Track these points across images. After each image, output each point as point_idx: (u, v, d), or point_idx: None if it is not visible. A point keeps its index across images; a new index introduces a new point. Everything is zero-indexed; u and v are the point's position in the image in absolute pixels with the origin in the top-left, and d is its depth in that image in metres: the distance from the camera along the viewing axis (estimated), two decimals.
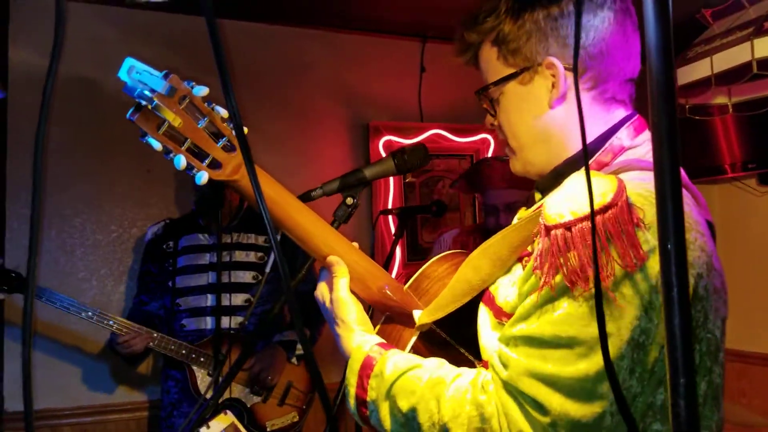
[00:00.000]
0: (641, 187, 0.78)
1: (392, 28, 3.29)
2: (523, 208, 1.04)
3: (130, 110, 0.80)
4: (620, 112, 0.94)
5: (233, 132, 0.87)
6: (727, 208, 3.39)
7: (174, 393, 2.37)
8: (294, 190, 0.98)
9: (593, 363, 0.73)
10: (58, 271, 2.68)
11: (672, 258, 0.47)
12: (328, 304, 1.02)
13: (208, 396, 2.11)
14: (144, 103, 0.78)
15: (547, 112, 0.94)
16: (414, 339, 0.99)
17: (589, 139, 0.91)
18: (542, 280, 0.77)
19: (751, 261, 3.24)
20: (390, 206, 3.23)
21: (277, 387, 2.40)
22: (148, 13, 2.86)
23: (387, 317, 1.07)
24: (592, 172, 0.81)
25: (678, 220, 0.47)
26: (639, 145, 0.91)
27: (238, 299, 2.40)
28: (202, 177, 0.85)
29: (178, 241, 2.45)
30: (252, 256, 2.45)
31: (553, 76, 0.92)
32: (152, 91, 0.78)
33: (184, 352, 2.28)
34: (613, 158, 0.90)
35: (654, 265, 0.73)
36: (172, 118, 0.80)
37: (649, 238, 0.73)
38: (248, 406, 2.36)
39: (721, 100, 2.91)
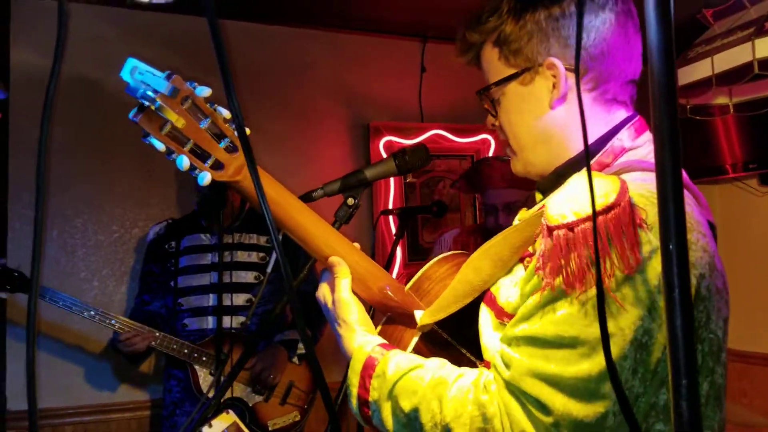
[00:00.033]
0: (643, 188, 0.78)
1: (392, 28, 3.29)
2: (524, 209, 1.04)
3: (133, 111, 0.79)
4: (621, 113, 0.94)
5: (235, 133, 0.87)
6: (728, 209, 3.39)
7: (176, 392, 2.38)
8: (294, 191, 0.98)
9: (596, 363, 0.73)
10: (59, 272, 2.68)
11: (674, 258, 0.47)
12: (330, 304, 1.02)
13: (210, 395, 2.11)
14: (147, 103, 0.78)
15: (547, 112, 0.94)
16: (415, 339, 0.99)
17: (591, 139, 0.91)
18: (545, 280, 0.77)
19: (752, 261, 3.23)
20: (391, 206, 3.23)
21: (278, 386, 2.41)
22: (148, 14, 2.86)
23: (388, 318, 1.07)
24: (594, 173, 0.81)
25: (680, 220, 0.47)
26: (640, 146, 0.91)
27: (240, 299, 2.40)
28: (205, 178, 0.85)
29: (180, 241, 2.45)
30: (254, 257, 2.45)
31: (554, 76, 0.92)
32: (155, 91, 0.78)
33: (186, 351, 2.28)
34: (615, 159, 0.90)
35: (656, 265, 0.73)
36: (175, 118, 0.80)
37: (651, 239, 0.74)
38: (250, 405, 2.36)
39: (722, 100, 2.91)
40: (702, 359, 0.80)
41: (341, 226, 1.10)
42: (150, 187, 2.86)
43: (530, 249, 0.87)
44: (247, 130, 0.65)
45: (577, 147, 0.93)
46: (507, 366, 0.80)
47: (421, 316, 0.99)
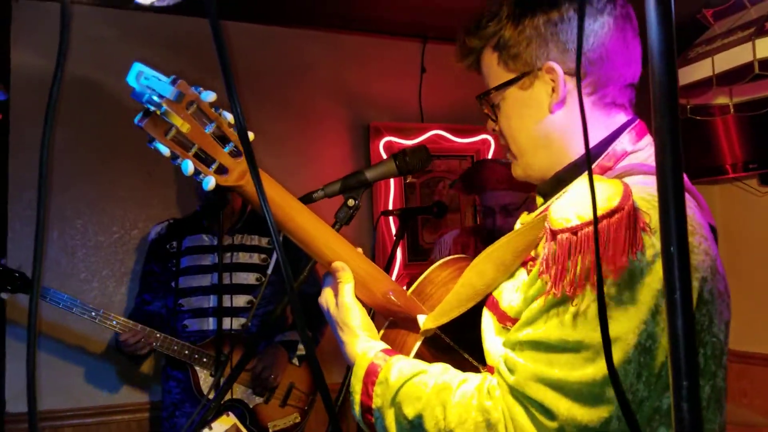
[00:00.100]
0: (645, 191, 0.78)
1: (393, 29, 3.29)
2: (525, 213, 1.04)
3: (138, 116, 0.79)
4: (621, 117, 0.95)
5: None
6: (728, 209, 3.39)
7: (176, 393, 2.37)
8: (294, 191, 0.98)
9: (600, 367, 0.73)
10: (59, 273, 2.68)
11: (675, 261, 0.47)
12: (332, 309, 1.01)
13: (211, 396, 2.12)
14: (152, 108, 0.78)
15: (547, 116, 0.94)
16: (418, 344, 0.99)
17: (591, 143, 0.92)
18: (548, 284, 0.77)
19: (752, 261, 3.23)
20: (391, 207, 3.23)
21: (279, 388, 2.41)
22: (149, 15, 2.86)
23: (391, 322, 1.07)
24: (597, 177, 0.81)
25: (681, 223, 0.47)
26: (641, 149, 0.91)
27: (241, 300, 2.40)
28: (210, 182, 0.85)
29: (181, 242, 2.45)
30: (255, 258, 2.45)
31: (553, 81, 0.92)
32: (160, 96, 0.78)
33: (186, 352, 2.28)
34: (616, 162, 0.90)
35: (660, 269, 0.73)
36: (180, 123, 0.80)
37: (655, 242, 0.74)
38: (250, 407, 2.36)
39: (722, 100, 2.91)
40: (704, 363, 0.80)
41: (342, 226, 1.10)
42: (150, 188, 2.86)
43: (533, 253, 0.87)
44: (251, 135, 0.65)
45: (577, 151, 0.94)
46: (511, 371, 0.80)
47: (425, 321, 0.99)
